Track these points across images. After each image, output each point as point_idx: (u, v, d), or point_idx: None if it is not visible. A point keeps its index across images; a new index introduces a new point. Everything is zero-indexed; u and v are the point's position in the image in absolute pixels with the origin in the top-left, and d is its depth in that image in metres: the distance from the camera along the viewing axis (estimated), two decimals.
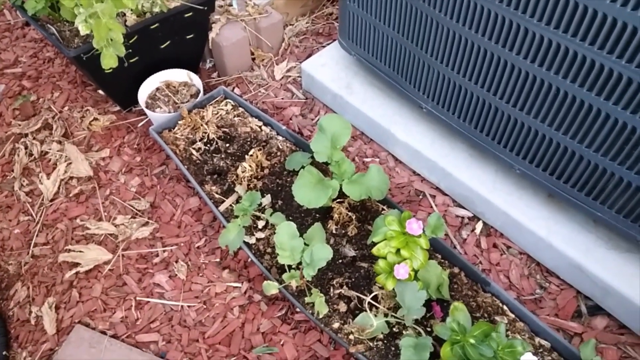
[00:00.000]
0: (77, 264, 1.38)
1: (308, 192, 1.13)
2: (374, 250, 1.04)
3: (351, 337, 1.08)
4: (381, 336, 1.08)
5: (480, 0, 1.03)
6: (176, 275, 1.36)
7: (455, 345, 0.92)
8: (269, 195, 1.34)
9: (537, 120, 1.10)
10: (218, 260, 1.38)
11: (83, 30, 1.29)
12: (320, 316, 1.10)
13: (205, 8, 1.56)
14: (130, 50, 1.48)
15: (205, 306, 1.30)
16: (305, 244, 1.11)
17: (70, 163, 1.59)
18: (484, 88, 1.17)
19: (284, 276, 1.10)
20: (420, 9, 1.18)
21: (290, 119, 1.67)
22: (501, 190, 1.32)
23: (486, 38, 1.08)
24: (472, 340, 0.89)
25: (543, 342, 1.08)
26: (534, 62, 1.02)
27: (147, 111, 1.54)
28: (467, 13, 1.08)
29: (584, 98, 0.98)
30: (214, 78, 1.81)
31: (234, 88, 1.77)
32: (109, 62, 1.35)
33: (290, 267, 1.12)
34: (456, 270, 1.20)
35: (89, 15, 1.28)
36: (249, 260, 1.34)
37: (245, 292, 1.31)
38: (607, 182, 1.07)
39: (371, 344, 1.08)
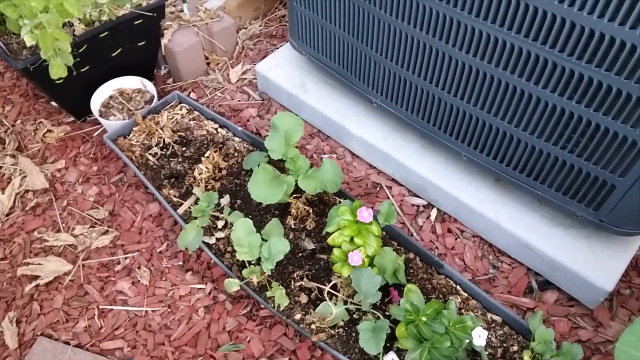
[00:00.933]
0: (36, 277, 1.37)
1: (264, 188, 1.16)
2: (329, 240, 1.07)
3: (313, 326, 1.11)
4: (342, 323, 1.12)
5: None
6: (139, 281, 1.36)
7: (410, 325, 0.96)
8: (228, 195, 1.36)
9: (476, 108, 1.16)
10: (181, 263, 1.38)
11: (29, 41, 1.28)
12: (282, 308, 1.13)
13: (155, 15, 1.57)
14: (81, 60, 1.47)
15: (169, 309, 1.31)
16: (263, 239, 1.13)
17: (25, 176, 1.57)
18: (427, 80, 1.22)
19: (244, 272, 1.13)
20: (363, 7, 1.23)
21: (248, 120, 1.69)
22: (452, 177, 1.38)
23: (424, 32, 1.13)
24: (424, 319, 0.94)
25: (495, 317, 1.13)
26: (468, 52, 1.07)
27: (101, 120, 1.53)
28: (405, 9, 1.13)
29: (515, 84, 1.04)
30: (169, 84, 1.82)
31: (189, 93, 1.78)
32: (57, 72, 1.34)
33: (250, 262, 1.14)
34: (411, 255, 1.24)
35: (34, 26, 1.27)
36: (212, 261, 1.35)
37: (209, 293, 1.33)
38: (544, 163, 1.13)
39: (332, 331, 1.11)
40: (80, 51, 1.47)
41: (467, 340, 0.97)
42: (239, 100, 1.75)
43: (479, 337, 0.96)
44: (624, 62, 0.87)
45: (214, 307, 1.30)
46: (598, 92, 0.94)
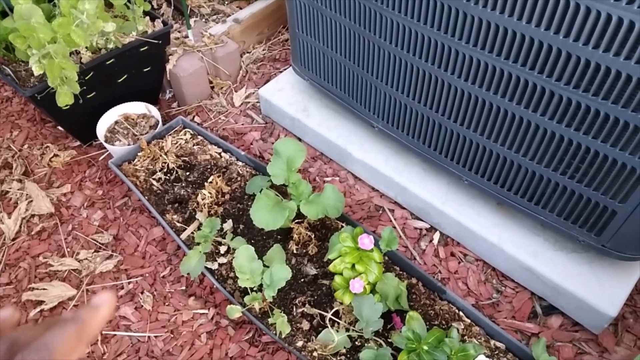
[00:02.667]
0: (41, 302, 1.37)
1: (265, 214, 1.17)
2: (331, 267, 1.08)
3: (315, 354, 1.11)
4: (344, 350, 1.11)
5: (413, 25, 1.10)
6: (142, 306, 1.36)
7: (412, 353, 0.96)
8: (231, 220, 1.37)
9: (476, 134, 1.17)
10: (184, 288, 1.39)
11: (37, 71, 1.31)
12: (284, 336, 1.12)
13: (160, 41, 1.60)
14: (87, 87, 1.50)
15: (172, 335, 1.31)
16: (265, 265, 1.14)
17: (31, 201, 1.59)
18: (427, 106, 1.23)
19: (246, 299, 1.13)
20: (363, 35, 1.25)
21: (251, 143, 1.71)
22: (454, 200, 1.38)
23: (423, 60, 1.14)
24: (425, 347, 0.93)
25: (498, 344, 1.13)
26: (467, 80, 1.09)
27: (106, 145, 1.56)
28: (404, 37, 1.15)
29: (514, 111, 1.05)
30: (174, 108, 1.84)
31: (194, 117, 1.80)
32: (64, 100, 1.37)
33: (252, 289, 1.15)
34: (414, 280, 1.24)
35: (42, 55, 1.30)
36: (215, 286, 1.35)
37: (212, 318, 1.33)
38: (545, 188, 1.14)
39: (334, 359, 1.11)
40: (86, 78, 1.50)
41: None
42: (242, 124, 1.77)
43: None
44: (620, 91, 0.88)
45: (217, 332, 1.30)
46: (596, 120, 0.94)
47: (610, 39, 0.84)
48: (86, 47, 1.54)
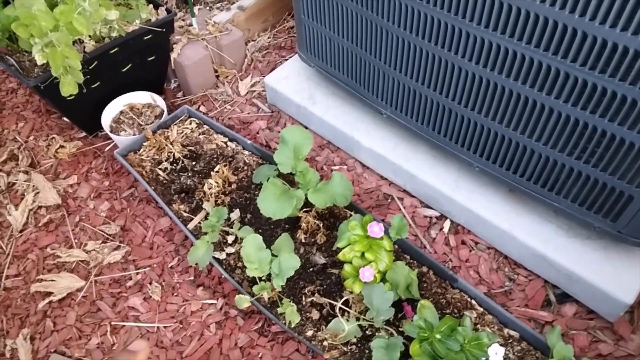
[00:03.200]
0: (49, 293, 1.37)
1: (273, 203, 1.15)
2: (340, 256, 1.06)
3: (325, 343, 1.10)
4: (354, 340, 1.10)
5: (423, 7, 1.07)
6: (150, 296, 1.35)
7: (424, 342, 0.94)
8: (238, 209, 1.36)
9: (487, 119, 1.14)
10: (192, 278, 1.38)
11: (40, 60, 1.30)
12: (293, 325, 1.11)
13: (164, 30, 1.58)
14: (91, 76, 1.48)
15: (181, 325, 1.30)
16: (273, 254, 1.12)
17: (38, 192, 1.58)
18: (437, 91, 1.20)
19: (254, 288, 1.12)
20: (370, 18, 1.22)
21: (257, 132, 1.69)
22: (464, 188, 1.36)
23: (432, 43, 1.11)
24: (438, 336, 0.92)
25: (512, 332, 1.11)
26: (478, 63, 1.06)
27: (111, 135, 1.54)
28: (412, 20, 1.12)
29: (527, 94, 1.02)
30: (179, 98, 1.82)
31: (199, 106, 1.78)
32: (68, 89, 1.36)
33: (260, 279, 1.13)
34: (425, 269, 1.22)
35: (44, 44, 1.29)
36: (223, 276, 1.34)
37: (221, 308, 1.32)
38: (559, 173, 1.11)
39: (345, 348, 1.09)
40: (90, 67, 1.48)
41: (484, 358, 0.94)
42: (248, 113, 1.75)
43: (496, 354, 0.94)
44: (638, 71, 0.85)
45: (226, 322, 1.30)
46: (612, 101, 0.91)
47: (628, 17, 0.81)
48: (89, 36, 1.53)
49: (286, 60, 1.82)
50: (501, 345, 1.02)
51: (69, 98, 1.42)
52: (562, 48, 0.91)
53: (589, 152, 1.02)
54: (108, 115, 1.58)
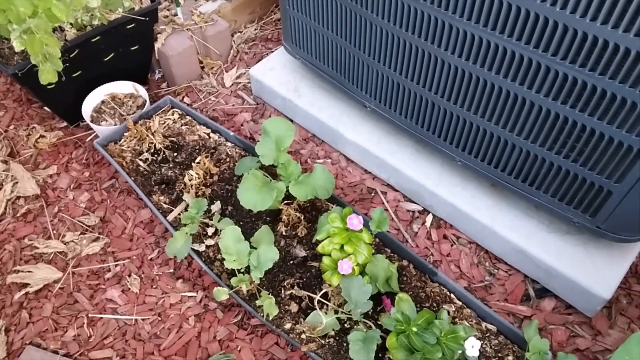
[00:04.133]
0: (26, 285, 1.35)
1: (253, 195, 1.14)
2: (319, 248, 1.05)
3: (303, 336, 1.09)
4: (332, 333, 1.09)
5: (407, 0, 1.06)
6: (129, 289, 1.34)
7: (401, 335, 0.94)
8: (219, 201, 1.34)
9: (470, 113, 1.14)
10: (172, 271, 1.36)
11: (18, 47, 1.27)
12: (271, 318, 1.10)
13: (147, 19, 1.55)
14: (72, 65, 1.46)
15: (160, 318, 1.29)
16: (253, 247, 1.11)
17: (17, 182, 1.56)
18: (420, 84, 1.20)
19: (233, 280, 1.10)
20: (355, 10, 1.21)
21: (242, 124, 1.68)
22: (447, 182, 1.36)
23: (416, 35, 1.11)
24: (415, 329, 0.91)
25: (490, 326, 1.11)
26: (461, 56, 1.05)
27: (92, 125, 1.52)
28: (397, 12, 1.11)
29: (509, 88, 1.02)
30: (163, 88, 1.80)
31: (183, 97, 1.76)
32: (47, 77, 1.33)
33: (239, 271, 1.12)
34: (405, 263, 1.22)
35: (23, 31, 1.26)
36: (203, 269, 1.33)
37: (200, 301, 1.31)
38: (539, 168, 1.11)
39: (323, 341, 1.09)
40: (71, 56, 1.45)
41: (460, 351, 0.94)
42: (233, 105, 1.74)
43: (472, 347, 0.94)
44: (618, 65, 0.85)
45: (205, 315, 1.28)
46: (592, 96, 0.91)
47: (608, 11, 0.81)
48: (70, 24, 1.50)
49: (272, 52, 1.80)
50: (479, 339, 1.02)
51: (48, 87, 1.39)
52: (543, 41, 0.91)
53: (569, 147, 1.02)
54: (89, 105, 1.56)
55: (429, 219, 1.41)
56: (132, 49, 1.62)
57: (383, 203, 1.46)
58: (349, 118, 1.52)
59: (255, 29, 1.96)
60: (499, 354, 1.07)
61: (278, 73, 1.65)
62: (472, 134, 1.18)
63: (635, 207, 1.01)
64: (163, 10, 1.79)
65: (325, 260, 1.05)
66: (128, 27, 1.54)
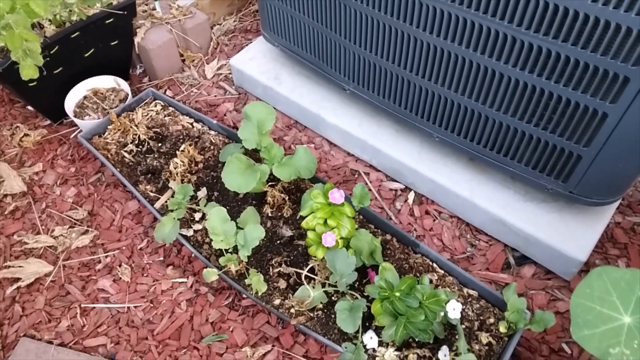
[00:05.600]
0: (17, 279, 1.36)
1: (237, 177, 1.17)
2: (303, 224, 1.08)
3: (292, 310, 1.12)
4: (320, 306, 1.13)
5: None
6: (120, 278, 1.36)
7: (385, 301, 0.97)
8: (205, 188, 1.37)
9: (444, 88, 1.17)
10: (162, 258, 1.39)
11: None
12: (260, 294, 1.13)
13: (126, 13, 1.57)
14: (53, 61, 1.47)
15: (152, 305, 1.31)
16: (240, 227, 1.14)
17: (3, 181, 1.56)
18: (395, 63, 1.23)
19: (221, 260, 1.13)
20: None
21: (225, 114, 1.70)
22: (426, 159, 1.40)
23: (388, 15, 1.14)
24: (398, 294, 0.95)
25: (471, 292, 1.15)
26: (432, 33, 1.09)
27: (75, 120, 1.53)
28: None
29: (479, 61, 1.06)
30: (145, 82, 1.82)
31: (165, 90, 1.78)
32: (28, 72, 1.34)
33: (227, 251, 1.15)
34: (388, 237, 1.26)
35: (1, 27, 1.27)
36: (193, 255, 1.36)
37: (191, 286, 1.33)
38: (512, 139, 1.15)
39: (312, 314, 1.12)
40: (51, 52, 1.47)
41: (442, 314, 0.98)
42: (215, 96, 1.76)
43: (454, 309, 0.98)
44: (579, 32, 0.89)
45: (196, 299, 1.31)
46: (556, 63, 0.95)
47: None
48: (49, 20, 1.51)
49: (252, 42, 1.83)
50: (461, 304, 1.06)
51: (30, 84, 1.41)
52: (508, 13, 0.94)
53: (538, 115, 1.06)
54: (71, 100, 1.57)
55: (411, 196, 1.45)
56: (112, 44, 1.63)
57: (366, 183, 1.50)
58: (329, 103, 1.55)
59: (234, 21, 1.98)
60: (481, 317, 1.11)
61: (258, 62, 1.68)
62: (448, 109, 1.22)
63: (604, 170, 1.06)
64: (141, 4, 1.80)
65: (310, 235, 1.08)
66: (107, 22, 1.55)
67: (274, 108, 1.67)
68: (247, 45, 1.89)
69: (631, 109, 0.91)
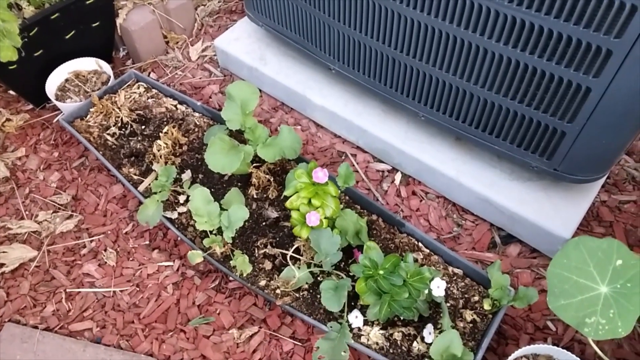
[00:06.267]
0: (1, 265, 1.35)
1: (221, 157, 1.15)
2: (288, 204, 1.08)
3: (278, 291, 1.12)
4: (306, 286, 1.13)
5: None
6: (106, 262, 1.35)
7: (369, 280, 0.97)
8: (189, 170, 1.35)
9: (428, 65, 1.16)
10: (147, 242, 1.38)
11: None
12: (245, 275, 1.13)
13: None
14: (33, 44, 1.44)
15: (138, 288, 1.31)
16: (224, 209, 1.13)
17: None
18: (379, 41, 1.22)
19: (205, 241, 1.12)
20: None
21: (210, 97, 1.68)
22: (413, 139, 1.39)
23: None
24: (381, 272, 0.95)
25: (456, 270, 1.15)
26: (415, 8, 1.07)
27: (57, 103, 1.51)
28: None
29: (462, 36, 1.05)
30: (128, 65, 1.79)
31: (150, 73, 1.75)
32: (6, 54, 1.31)
33: (211, 232, 1.14)
34: (374, 217, 1.25)
35: None
36: (179, 238, 1.34)
37: (177, 270, 1.32)
38: (497, 116, 1.14)
39: (297, 294, 1.12)
40: (31, 34, 1.43)
41: (426, 291, 0.98)
42: (200, 78, 1.73)
43: (438, 287, 0.98)
44: (561, 4, 0.87)
45: (183, 283, 1.30)
46: (540, 37, 0.94)
47: None
48: (28, 1, 1.48)
49: (237, 23, 1.80)
50: (446, 282, 1.06)
51: (10, 67, 1.37)
52: None
53: (522, 92, 1.05)
54: (53, 83, 1.54)
55: (397, 176, 1.45)
56: (93, 25, 1.60)
57: (353, 165, 1.49)
58: (315, 83, 1.54)
59: (218, 2, 1.95)
60: (466, 295, 1.11)
61: (243, 42, 1.65)
62: (433, 87, 1.21)
63: (588, 146, 1.06)
64: None
65: (294, 214, 1.07)
66: (87, 2, 1.52)
67: (260, 90, 1.65)
68: (231, 26, 1.87)
69: (614, 83, 0.90)
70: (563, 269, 0.63)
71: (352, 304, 1.10)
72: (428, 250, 1.18)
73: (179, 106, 1.51)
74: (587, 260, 0.62)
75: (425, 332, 1.04)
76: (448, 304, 1.09)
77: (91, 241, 1.39)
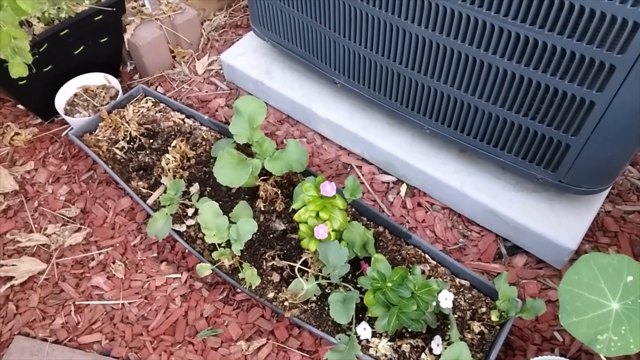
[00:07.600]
0: (11, 278, 1.36)
1: (229, 171, 1.17)
2: (295, 217, 1.09)
3: (286, 303, 1.13)
4: (314, 298, 1.13)
5: None
6: (114, 275, 1.36)
7: (377, 292, 0.98)
8: (197, 183, 1.37)
9: (434, 80, 1.18)
10: (155, 255, 1.39)
11: None
12: (254, 287, 1.14)
13: (115, 9, 1.56)
14: (43, 60, 1.46)
15: (146, 301, 1.31)
16: (232, 222, 1.14)
17: None
18: (385, 56, 1.24)
19: (214, 254, 1.14)
20: None
21: (217, 110, 1.70)
22: (418, 152, 1.40)
23: (377, 7, 1.14)
24: (390, 285, 0.95)
25: (463, 282, 1.16)
26: (421, 24, 1.09)
27: (66, 118, 1.53)
28: None
29: (467, 52, 1.06)
30: (135, 80, 1.81)
31: (156, 87, 1.78)
32: (17, 70, 1.33)
33: (220, 245, 1.15)
34: (381, 229, 1.26)
35: None
36: (187, 251, 1.36)
37: (185, 282, 1.33)
38: (502, 129, 1.16)
39: (305, 306, 1.13)
40: (41, 50, 1.46)
41: (434, 303, 0.99)
42: (206, 92, 1.76)
43: (445, 299, 0.99)
44: (565, 21, 0.89)
45: (191, 295, 1.31)
46: (544, 53, 0.96)
47: None
48: (38, 18, 1.50)
49: (242, 37, 1.82)
50: (453, 294, 1.07)
51: (20, 83, 1.40)
52: (494, 3, 0.95)
53: (527, 105, 1.07)
54: (62, 98, 1.57)
55: (403, 188, 1.46)
56: (102, 41, 1.62)
57: (359, 177, 1.50)
58: (320, 96, 1.56)
59: (224, 16, 1.98)
60: (473, 307, 1.12)
61: (249, 57, 1.68)
62: (438, 101, 1.23)
63: (592, 159, 1.07)
64: (130, 1, 1.80)
65: (302, 227, 1.08)
66: (96, 18, 1.55)
67: (266, 103, 1.68)
68: (237, 40, 1.89)
69: (617, 97, 0.92)
70: (574, 285, 0.64)
71: (360, 315, 1.11)
72: (435, 262, 1.19)
73: (186, 120, 1.53)
74: (598, 277, 0.63)
75: (433, 344, 1.05)
76: (455, 316, 1.10)
77: (100, 254, 1.40)
